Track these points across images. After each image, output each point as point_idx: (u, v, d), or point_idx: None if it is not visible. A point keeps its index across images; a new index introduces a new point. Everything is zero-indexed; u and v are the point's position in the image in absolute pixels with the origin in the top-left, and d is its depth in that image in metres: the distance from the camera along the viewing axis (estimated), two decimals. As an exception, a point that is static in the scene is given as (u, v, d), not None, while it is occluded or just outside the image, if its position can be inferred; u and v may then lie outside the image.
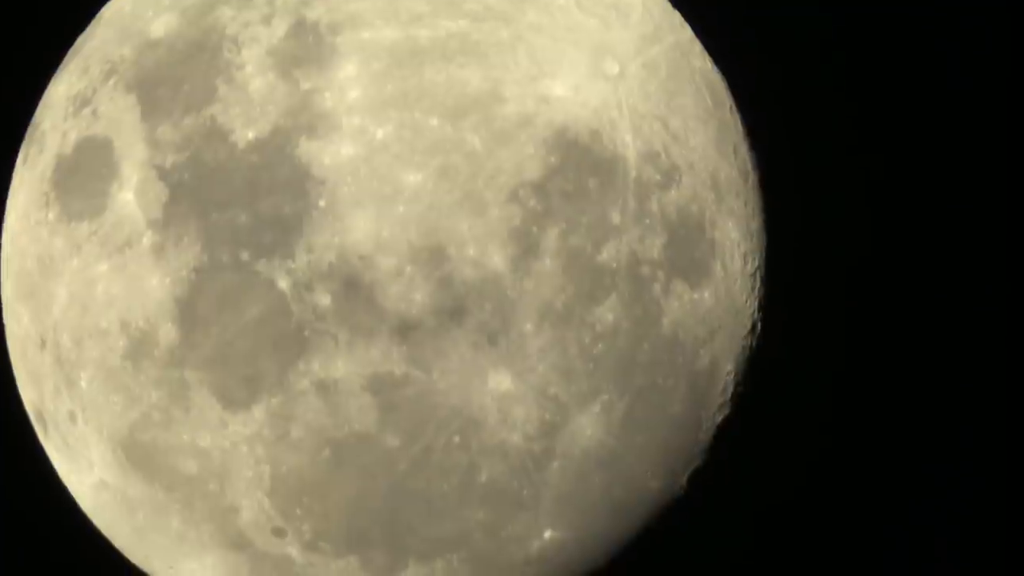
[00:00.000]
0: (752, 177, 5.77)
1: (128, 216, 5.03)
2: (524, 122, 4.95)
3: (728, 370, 5.60)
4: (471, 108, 4.92)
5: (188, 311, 4.93)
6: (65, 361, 5.31)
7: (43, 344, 5.40)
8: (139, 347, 5.04)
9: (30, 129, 5.76)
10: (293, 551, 5.26)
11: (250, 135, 4.91)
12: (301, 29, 5.02)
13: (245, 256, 4.84)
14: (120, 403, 5.16)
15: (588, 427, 5.13)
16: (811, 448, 8.89)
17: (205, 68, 5.07)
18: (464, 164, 4.85)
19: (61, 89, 5.59)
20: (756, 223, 5.74)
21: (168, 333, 4.97)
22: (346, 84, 4.93)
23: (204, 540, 5.34)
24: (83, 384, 5.27)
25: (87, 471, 5.53)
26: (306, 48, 5.00)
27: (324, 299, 4.80)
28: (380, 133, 4.85)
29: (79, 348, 5.22)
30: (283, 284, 4.81)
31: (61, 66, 5.83)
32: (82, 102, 5.38)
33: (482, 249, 4.82)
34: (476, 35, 5.06)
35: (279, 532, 5.21)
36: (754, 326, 5.73)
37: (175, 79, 5.11)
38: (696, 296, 5.29)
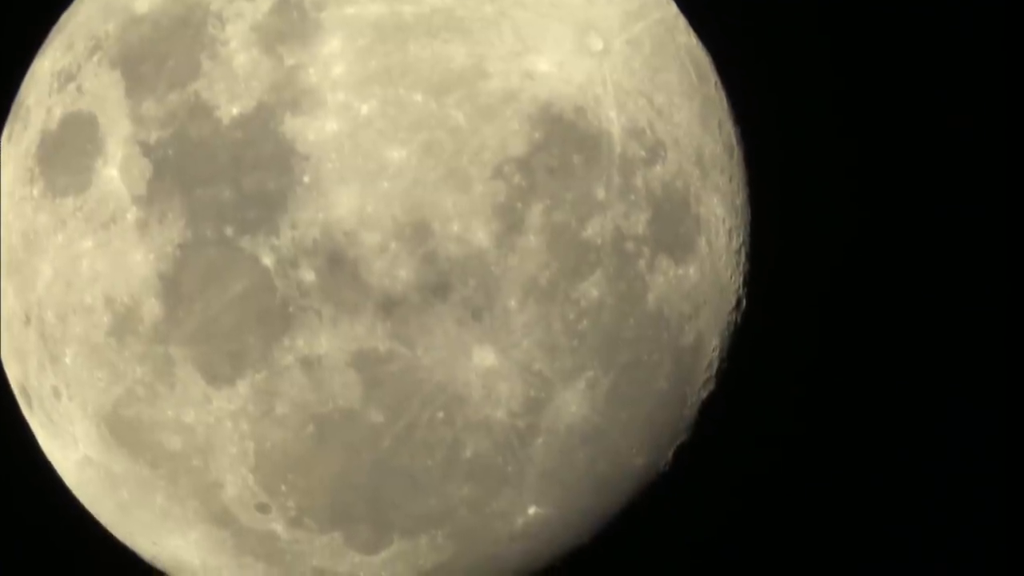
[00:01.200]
0: (737, 153, 5.77)
1: (112, 192, 5.02)
2: (509, 98, 4.95)
3: (713, 346, 5.61)
4: (455, 84, 4.91)
5: (172, 287, 4.93)
6: (49, 337, 5.30)
7: (27, 320, 5.39)
8: (123, 323, 5.03)
9: (15, 106, 5.75)
10: (278, 527, 5.27)
11: (234, 111, 4.90)
12: (285, 5, 5.01)
13: (229, 232, 4.83)
14: (104, 379, 5.16)
15: (573, 403, 5.13)
16: (795, 423, 8.91)
17: (189, 44, 5.05)
18: (448, 140, 4.84)
19: (46, 65, 5.58)
20: (741, 199, 5.75)
21: (152, 309, 4.96)
22: (330, 60, 4.91)
23: (188, 516, 5.35)
24: (67, 360, 5.26)
25: (71, 447, 5.53)
26: (290, 24, 4.98)
27: (308, 275, 4.80)
28: (364, 109, 4.84)
29: (63, 324, 5.22)
30: (267, 260, 4.81)
31: (46, 42, 5.81)
32: (67, 78, 5.36)
33: (466, 225, 4.82)
34: (461, 11, 5.06)
35: (263, 508, 5.21)
36: (739, 302, 5.74)
37: (159, 55, 5.09)
38: (681, 272, 5.29)
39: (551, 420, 5.12)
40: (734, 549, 9.11)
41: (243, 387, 4.95)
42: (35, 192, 5.30)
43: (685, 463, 5.87)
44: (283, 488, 5.13)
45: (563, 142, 4.98)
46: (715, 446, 6.12)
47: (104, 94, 5.16)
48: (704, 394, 5.70)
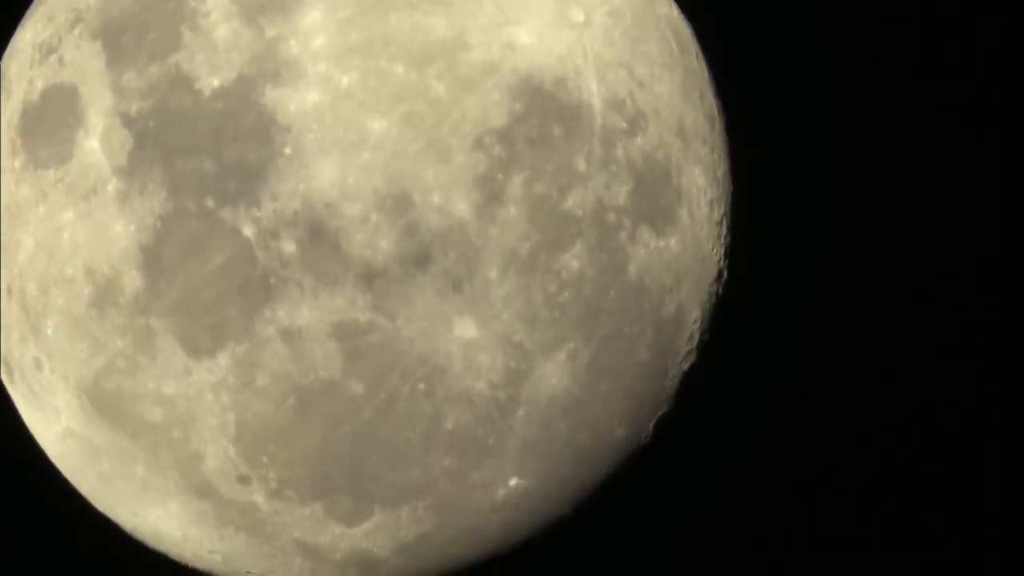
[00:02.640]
0: (719, 124, 5.77)
1: (93, 164, 5.02)
2: (489, 69, 4.94)
3: (695, 317, 5.62)
4: (436, 55, 4.91)
5: (153, 259, 4.92)
6: (31, 309, 5.30)
7: (9, 292, 5.39)
8: (104, 295, 5.03)
9: (-5, 78, 5.74)
10: (258, 498, 5.27)
11: (215, 82, 4.89)
12: (266, -25, 5.01)
13: (210, 204, 4.83)
14: (85, 351, 5.16)
15: (554, 375, 5.13)
16: (776, 395, 8.92)
17: (170, 15, 5.05)
18: (429, 111, 4.84)
19: (27, 37, 5.57)
20: (722, 170, 5.75)
21: (133, 280, 4.96)
22: (311, 31, 4.91)
23: (169, 488, 5.35)
24: (49, 332, 5.26)
25: (53, 419, 5.53)
26: (271, -5, 4.98)
27: (289, 246, 4.79)
28: (345, 80, 4.83)
29: (45, 296, 5.21)
30: (248, 232, 4.80)
31: (27, 14, 5.80)
32: (48, 50, 5.35)
33: (447, 196, 4.82)
34: (442, -19, 5.05)
35: (244, 479, 5.22)
36: (720, 273, 5.74)
37: (140, 27, 5.08)
38: (662, 243, 5.29)
39: (532, 392, 5.13)
40: (715, 521, 9.14)
41: (224, 359, 4.95)
42: (17, 164, 5.29)
43: (666, 435, 5.88)
44: (264, 459, 5.14)
45: (543, 113, 4.98)
46: (696, 418, 6.13)
47: (85, 66, 5.16)
48: (685, 366, 5.70)
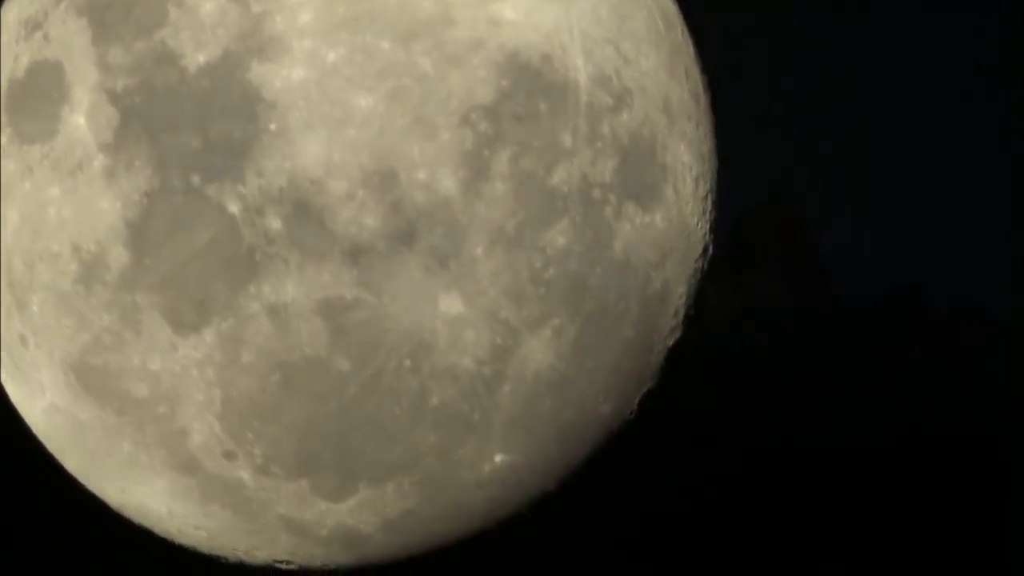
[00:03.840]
0: (704, 100, 5.78)
1: (80, 140, 5.02)
2: (475, 46, 4.95)
3: (680, 293, 5.63)
4: (422, 31, 4.91)
5: (139, 235, 4.93)
6: (16, 285, 5.30)
7: (-6, 267, 5.39)
8: (90, 271, 5.04)
9: (-19, 55, 5.73)
10: (244, 474, 5.28)
11: (201, 59, 4.89)
12: (252, -49, 5.00)
13: (196, 180, 4.83)
14: (71, 327, 5.16)
15: (539, 351, 5.15)
16: (760, 370, 8.97)
17: (156, -9, 5.04)
18: (415, 88, 4.84)
19: (12, 13, 5.56)
20: (708, 146, 5.76)
21: (119, 256, 4.96)
22: (298, 7, 4.91)
23: (155, 464, 5.36)
24: (35, 307, 5.26)
25: (39, 395, 5.54)
26: (257, -30, 4.98)
27: (275, 223, 4.80)
28: (331, 56, 4.83)
29: (31, 271, 5.21)
30: (234, 208, 4.81)
31: (13, -9, 5.79)
32: (34, 26, 5.34)
33: (433, 172, 4.82)
34: (427, -42, 5.05)
35: (230, 455, 5.23)
36: (705, 249, 5.76)
37: (126, 3, 5.07)
38: (648, 219, 5.30)
39: (517, 367, 5.14)
40: (700, 495, 9.20)
41: (209, 335, 4.96)
42: (3, 139, 5.29)
43: (651, 411, 5.90)
44: (249, 436, 5.15)
45: (530, 90, 4.98)
46: (681, 394, 6.15)
47: (70, 42, 5.15)
48: (671, 341, 5.72)
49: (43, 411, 5.59)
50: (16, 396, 5.83)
